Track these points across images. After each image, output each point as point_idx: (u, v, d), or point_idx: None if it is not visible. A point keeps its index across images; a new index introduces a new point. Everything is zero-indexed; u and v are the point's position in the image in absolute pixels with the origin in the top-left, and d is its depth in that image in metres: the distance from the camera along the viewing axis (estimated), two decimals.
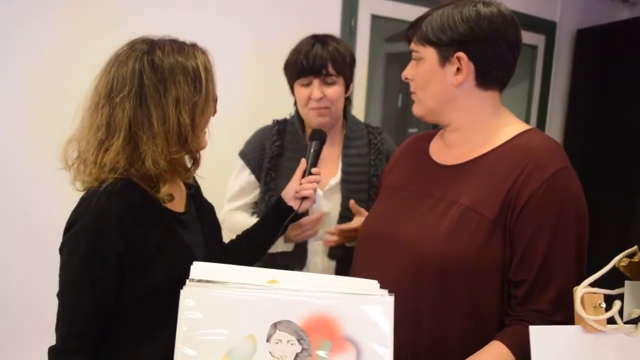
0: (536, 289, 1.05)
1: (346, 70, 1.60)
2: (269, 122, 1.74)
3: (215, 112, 1.18)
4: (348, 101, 1.72)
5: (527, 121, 3.32)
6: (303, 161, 1.48)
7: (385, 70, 3.30)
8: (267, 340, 0.83)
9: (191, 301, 0.84)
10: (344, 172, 1.64)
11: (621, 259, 0.93)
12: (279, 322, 0.83)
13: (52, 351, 1.05)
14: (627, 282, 0.93)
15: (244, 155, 1.69)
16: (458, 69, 1.14)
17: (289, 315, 0.84)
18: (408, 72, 1.22)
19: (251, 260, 1.44)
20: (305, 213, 1.55)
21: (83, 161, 1.09)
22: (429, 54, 1.16)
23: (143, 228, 1.07)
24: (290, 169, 1.55)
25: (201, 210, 1.29)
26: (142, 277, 1.07)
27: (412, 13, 2.76)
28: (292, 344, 0.83)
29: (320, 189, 1.64)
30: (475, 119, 1.18)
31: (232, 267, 0.95)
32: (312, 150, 1.49)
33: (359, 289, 0.88)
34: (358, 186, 1.63)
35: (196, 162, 1.18)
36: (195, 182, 1.31)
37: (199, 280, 0.87)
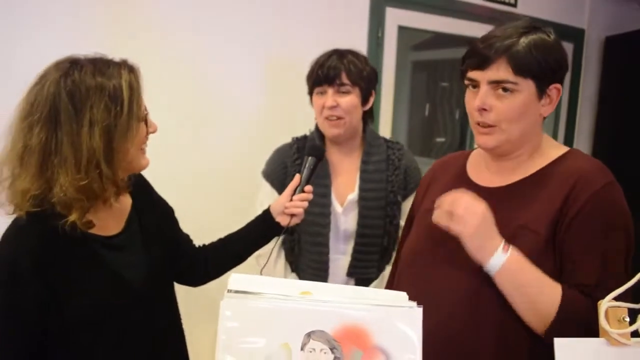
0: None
1: (362, 81, 1.62)
2: (294, 136, 1.78)
3: (151, 130, 1.15)
4: (368, 115, 1.73)
5: (555, 130, 3.32)
6: (297, 177, 1.43)
7: (411, 78, 3.33)
8: (302, 349, 0.87)
9: (229, 311, 0.89)
10: (361, 189, 1.66)
11: None
12: (313, 332, 0.87)
13: None
14: None
15: (267, 175, 1.71)
16: (550, 99, 1.15)
17: (322, 325, 0.88)
18: (487, 103, 1.13)
19: (227, 267, 1.43)
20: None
21: (3, 186, 1.06)
22: (528, 86, 1.11)
23: (59, 261, 1.06)
24: (313, 186, 1.54)
25: (147, 226, 1.25)
26: (65, 309, 1.06)
27: (438, 23, 2.80)
28: (325, 353, 0.87)
29: (339, 206, 1.66)
30: (535, 144, 1.20)
31: (268, 279, 1.00)
32: (306, 166, 1.44)
33: (388, 301, 0.92)
34: (375, 203, 1.64)
35: (118, 187, 1.13)
36: (144, 188, 1.29)
37: (237, 292, 0.92)
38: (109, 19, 2.03)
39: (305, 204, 1.41)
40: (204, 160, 2.11)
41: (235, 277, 0.95)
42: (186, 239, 1.42)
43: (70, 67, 1.06)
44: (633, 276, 1.05)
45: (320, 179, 1.56)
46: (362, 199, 1.65)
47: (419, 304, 0.91)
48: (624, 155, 3.21)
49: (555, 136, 3.31)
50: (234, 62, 2.28)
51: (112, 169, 1.07)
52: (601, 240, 1.07)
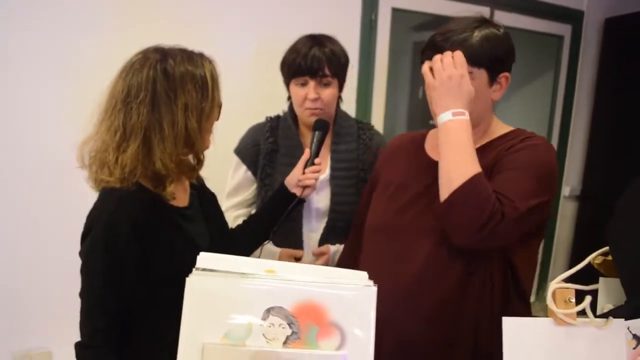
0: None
1: (341, 72, 1.65)
2: (268, 115, 1.81)
3: (218, 117, 1.27)
4: (339, 99, 1.77)
5: (552, 113, 3.31)
6: (307, 151, 1.54)
7: (413, 60, 3.32)
8: (261, 324, 0.92)
9: (195, 287, 0.94)
10: (332, 168, 1.70)
11: (596, 256, 0.98)
12: (272, 308, 0.92)
13: (78, 346, 1.15)
14: (601, 279, 0.99)
15: (239, 152, 1.76)
16: (500, 86, 1.26)
17: (281, 301, 0.92)
18: None
19: (257, 242, 1.54)
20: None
21: (100, 161, 1.19)
22: (481, 74, 1.23)
23: (153, 227, 1.18)
24: (286, 165, 1.62)
25: (204, 203, 1.39)
26: (155, 271, 1.17)
27: (433, 5, 2.79)
28: (283, 328, 0.92)
29: None
30: (486, 125, 1.31)
31: (234, 258, 1.04)
32: (315, 140, 1.54)
33: (347, 279, 0.96)
34: (346, 181, 1.69)
35: (200, 162, 1.29)
36: (199, 177, 1.40)
37: (204, 269, 0.96)
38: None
39: (317, 175, 1.52)
40: None
41: (203, 256, 0.99)
42: (226, 222, 1.54)
43: (163, 54, 1.18)
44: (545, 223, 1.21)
45: (294, 160, 1.59)
46: (334, 178, 1.70)
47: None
48: (622, 140, 3.21)
49: (552, 118, 3.30)
50: (225, 47, 2.30)
51: (202, 146, 1.24)
52: (521, 171, 1.17)
